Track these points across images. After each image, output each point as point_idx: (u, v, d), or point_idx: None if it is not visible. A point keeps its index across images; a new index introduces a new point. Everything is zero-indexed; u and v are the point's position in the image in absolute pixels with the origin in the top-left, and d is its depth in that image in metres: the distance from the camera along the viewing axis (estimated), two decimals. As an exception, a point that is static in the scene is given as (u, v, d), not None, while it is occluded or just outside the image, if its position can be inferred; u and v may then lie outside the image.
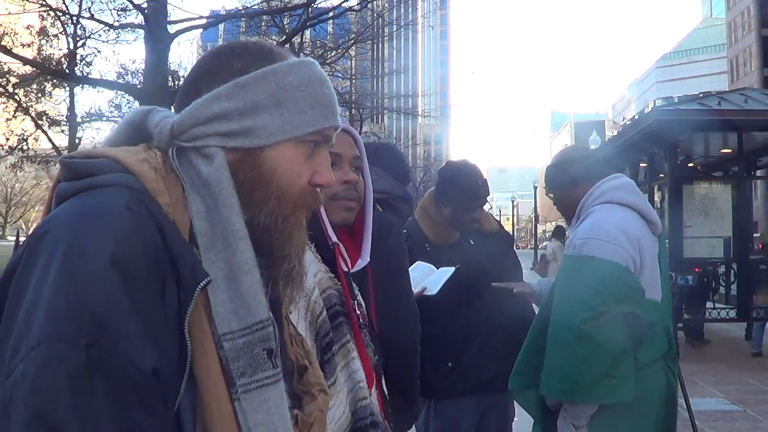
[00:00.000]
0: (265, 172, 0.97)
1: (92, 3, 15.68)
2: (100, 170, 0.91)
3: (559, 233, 13.22)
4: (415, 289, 2.43)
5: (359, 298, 1.72)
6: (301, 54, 19.58)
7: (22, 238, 22.72)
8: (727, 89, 22.31)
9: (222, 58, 1.01)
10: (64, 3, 15.70)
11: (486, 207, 3.26)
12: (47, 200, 0.97)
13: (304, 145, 1.00)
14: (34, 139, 21.17)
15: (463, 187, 2.98)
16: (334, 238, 1.59)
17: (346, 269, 1.59)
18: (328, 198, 1.63)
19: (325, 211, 1.60)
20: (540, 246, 36.94)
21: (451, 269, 2.79)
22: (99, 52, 21.11)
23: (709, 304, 10.21)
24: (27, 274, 0.82)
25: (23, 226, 59.24)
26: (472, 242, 3.04)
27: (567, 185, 2.63)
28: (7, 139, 20.31)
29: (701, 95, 11.65)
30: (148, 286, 0.83)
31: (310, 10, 15.39)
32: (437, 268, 2.83)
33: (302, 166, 1.00)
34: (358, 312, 1.62)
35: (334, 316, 1.54)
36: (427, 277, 2.76)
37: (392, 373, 1.78)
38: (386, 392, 1.69)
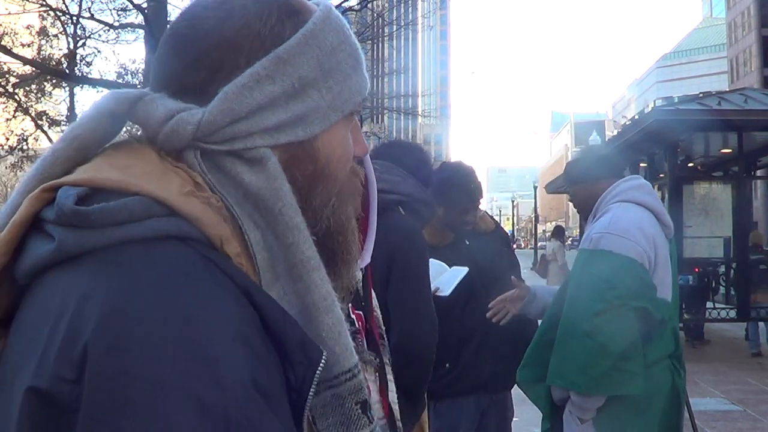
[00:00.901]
0: (323, 165, 0.75)
1: (92, 3, 15.67)
2: (134, 216, 0.62)
3: (558, 233, 13.21)
4: None
5: (373, 296, 1.68)
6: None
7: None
8: (727, 89, 22.32)
9: (236, 21, 0.71)
10: (64, 3, 15.70)
11: (486, 207, 3.28)
12: (13, 241, 0.64)
13: (350, 118, 0.78)
14: (34, 139, 21.16)
15: (456, 189, 3.00)
16: None
17: None
18: None
19: None
20: (540, 246, 36.93)
21: (464, 269, 2.79)
22: (99, 52, 21.10)
23: (709, 304, 10.22)
24: (122, 419, 0.52)
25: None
26: (467, 242, 3.04)
27: (589, 180, 2.69)
28: (7, 139, 20.30)
29: (701, 95, 11.67)
30: (280, 390, 0.61)
31: (310, 10, 15.36)
32: (448, 267, 2.84)
33: (350, 145, 0.79)
34: (353, 316, 1.58)
35: None
36: (440, 276, 2.76)
37: (405, 380, 1.74)
38: (394, 399, 1.65)
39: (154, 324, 0.55)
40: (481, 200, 3.10)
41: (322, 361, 0.65)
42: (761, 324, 9.76)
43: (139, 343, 0.54)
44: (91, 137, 0.70)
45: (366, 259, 1.55)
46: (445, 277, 2.76)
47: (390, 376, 1.66)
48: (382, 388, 1.61)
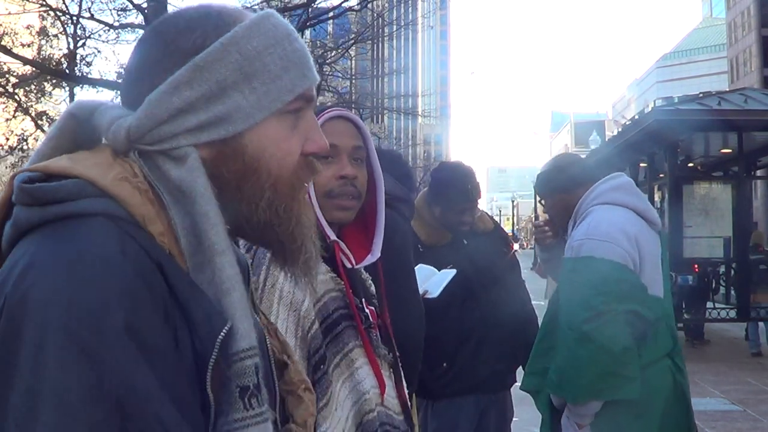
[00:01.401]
0: (250, 161, 0.82)
1: (92, 3, 15.66)
2: (70, 195, 0.74)
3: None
4: None
5: (372, 287, 1.65)
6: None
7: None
8: (727, 89, 22.31)
9: (167, 37, 0.83)
10: (64, 3, 15.70)
11: (486, 207, 3.28)
12: None
13: (287, 115, 0.85)
14: (34, 139, 21.16)
15: (453, 189, 2.99)
16: (333, 236, 1.50)
17: (349, 266, 1.51)
18: (323, 195, 1.52)
19: (319, 208, 1.50)
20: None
21: (452, 272, 2.78)
22: (99, 52, 21.10)
23: (709, 304, 10.22)
24: (12, 354, 0.64)
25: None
26: (465, 242, 3.04)
27: (563, 189, 2.64)
28: (7, 139, 20.30)
29: (701, 95, 11.67)
30: (169, 351, 0.70)
31: (310, 10, 15.39)
32: (437, 270, 2.84)
33: (290, 141, 0.85)
34: (367, 311, 1.55)
35: (335, 323, 1.46)
36: (429, 280, 2.76)
37: None
38: (407, 391, 1.63)
39: (55, 281, 0.67)
40: (479, 201, 3.09)
41: (224, 329, 0.74)
42: (761, 324, 9.76)
43: (40, 295, 0.66)
44: (62, 137, 0.83)
45: (376, 253, 1.54)
46: (433, 281, 2.76)
47: (402, 372, 1.65)
48: (398, 382, 1.60)
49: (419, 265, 2.80)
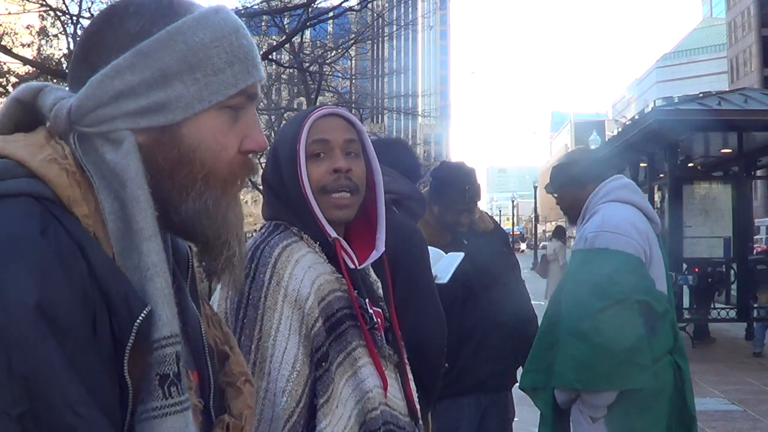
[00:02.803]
0: (186, 150, 0.83)
1: (92, 3, 15.66)
2: None
3: (559, 233, 13.21)
4: None
5: (380, 290, 1.65)
6: (301, 54, 19.59)
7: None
8: (727, 89, 22.32)
9: (116, 21, 0.84)
10: (64, 3, 15.69)
11: (486, 207, 3.28)
12: None
13: (227, 110, 0.85)
14: (34, 139, 21.18)
15: (452, 189, 2.99)
16: (334, 234, 1.50)
17: (352, 266, 1.51)
18: (318, 191, 1.51)
19: (317, 205, 1.49)
20: (540, 246, 36.93)
21: (460, 254, 2.76)
22: (99, 52, 21.09)
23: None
24: None
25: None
26: (465, 242, 3.04)
27: (575, 185, 2.72)
28: (7, 139, 20.33)
29: (701, 95, 11.67)
30: (82, 331, 0.70)
31: (310, 10, 15.37)
32: (444, 253, 2.83)
33: (228, 136, 0.86)
34: (371, 311, 1.54)
35: (339, 322, 1.46)
36: (437, 263, 2.75)
37: (419, 380, 1.72)
38: (414, 391, 1.62)
39: None
40: (478, 202, 3.09)
41: (143, 314, 0.74)
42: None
43: None
44: (4, 122, 0.84)
45: (380, 248, 1.54)
46: (442, 264, 2.75)
47: (410, 374, 1.65)
48: (405, 384, 1.60)
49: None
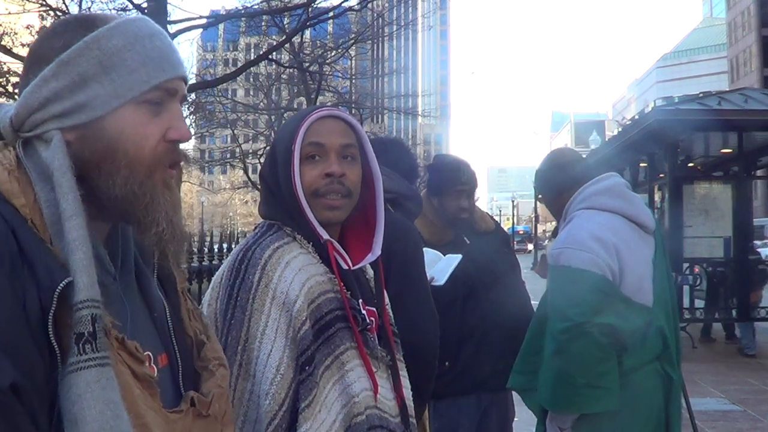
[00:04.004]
0: (109, 142, 0.94)
1: (92, 3, 15.66)
2: None
3: (558, 234, 13.19)
4: None
5: (385, 294, 1.64)
6: (301, 54, 19.58)
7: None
8: (727, 89, 22.31)
9: (44, 40, 0.97)
10: (64, 3, 15.69)
11: (486, 207, 3.28)
12: None
13: (146, 105, 0.96)
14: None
15: (445, 172, 3.02)
16: (326, 236, 1.50)
17: (345, 267, 1.51)
18: (311, 194, 1.51)
19: (309, 207, 1.49)
20: (540, 245, 36.85)
21: (458, 256, 2.78)
22: (99, 52, 21.08)
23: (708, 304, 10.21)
24: None
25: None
26: (467, 241, 3.05)
27: (554, 190, 2.63)
28: (7, 139, 20.33)
29: (701, 95, 11.66)
30: (4, 300, 0.81)
31: (310, 10, 15.36)
32: (442, 255, 2.84)
33: (148, 127, 0.96)
34: (364, 311, 1.54)
35: (328, 325, 1.46)
36: (434, 265, 2.75)
37: (413, 378, 1.73)
38: (408, 396, 1.62)
39: None
40: (476, 188, 3.10)
41: (63, 282, 0.84)
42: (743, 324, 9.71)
43: None
44: None
45: (376, 252, 1.54)
46: (439, 266, 2.75)
47: (404, 373, 1.64)
48: (396, 385, 1.59)
49: (424, 249, 2.80)
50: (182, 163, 1.02)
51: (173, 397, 0.99)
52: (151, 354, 0.97)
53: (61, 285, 0.84)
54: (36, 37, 1.03)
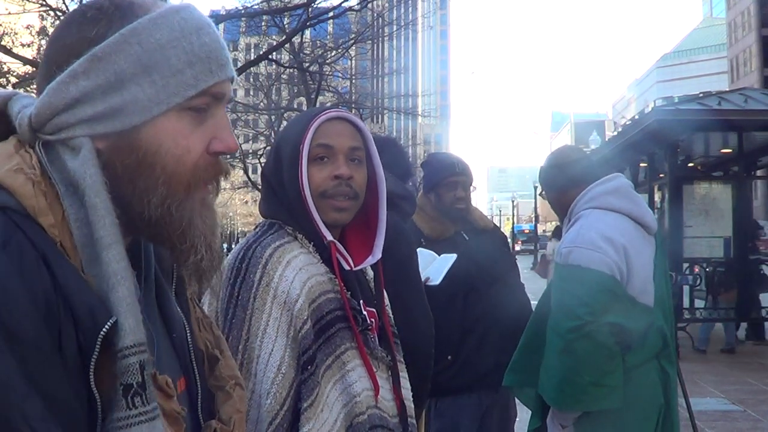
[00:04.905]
0: (145, 155, 0.80)
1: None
2: None
3: (558, 233, 13.19)
4: None
5: (385, 295, 1.64)
6: (301, 54, 19.59)
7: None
8: (727, 89, 22.31)
9: (72, 25, 0.82)
10: (64, 3, 15.69)
11: (486, 207, 3.31)
12: None
13: (190, 112, 0.82)
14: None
15: (438, 164, 3.10)
16: (329, 237, 1.50)
17: (348, 268, 1.51)
18: (318, 195, 1.51)
19: (315, 208, 1.49)
20: (539, 245, 36.83)
21: (453, 256, 2.81)
22: (99, 52, 21.10)
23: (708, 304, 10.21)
24: None
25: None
26: (466, 237, 3.06)
27: (559, 188, 2.62)
28: (7, 139, 20.34)
29: (701, 95, 11.65)
30: (41, 344, 0.69)
31: (310, 10, 15.37)
32: (437, 255, 2.86)
33: (191, 138, 0.83)
34: (365, 312, 1.54)
35: (329, 325, 1.46)
36: (429, 265, 2.77)
37: (410, 378, 1.73)
38: (408, 397, 1.63)
39: None
40: (471, 182, 3.13)
41: (107, 324, 0.72)
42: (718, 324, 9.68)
43: None
44: None
45: (376, 255, 1.55)
46: (434, 266, 2.77)
47: (404, 374, 1.65)
48: (395, 386, 1.60)
49: (419, 249, 2.81)
50: (222, 177, 0.88)
51: (192, 426, 0.89)
52: (171, 381, 0.85)
53: (106, 327, 0.73)
54: (62, 19, 0.86)
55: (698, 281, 9.92)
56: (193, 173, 0.83)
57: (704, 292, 10.09)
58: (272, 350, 1.40)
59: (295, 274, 1.45)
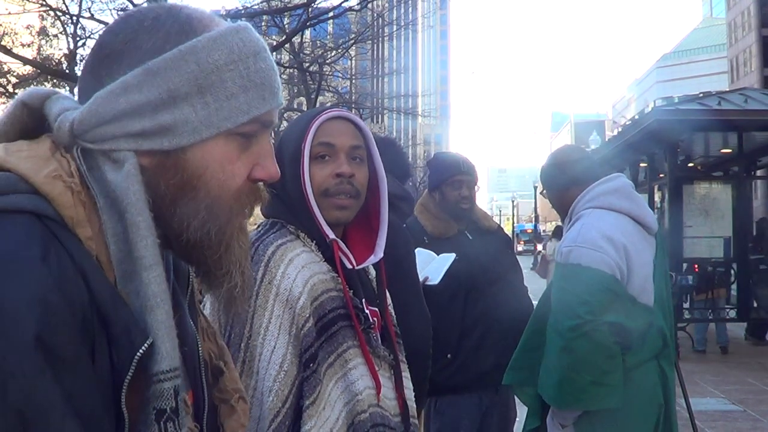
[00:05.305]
0: (190, 177, 0.79)
1: (92, 3, 15.67)
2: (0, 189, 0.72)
3: (558, 233, 13.20)
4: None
5: (387, 295, 1.64)
6: (301, 54, 19.60)
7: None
8: (727, 89, 22.32)
9: (129, 34, 0.79)
10: (64, 3, 15.71)
11: (486, 207, 3.32)
12: None
13: (238, 138, 0.81)
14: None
15: (444, 162, 3.11)
16: (331, 235, 1.50)
17: (350, 266, 1.52)
18: (320, 194, 1.51)
19: (317, 206, 1.50)
20: (539, 245, 36.79)
21: (452, 256, 2.81)
22: (99, 52, 21.11)
23: (708, 304, 10.21)
24: None
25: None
26: (470, 236, 3.07)
27: (560, 187, 2.63)
28: (7, 139, 20.32)
29: (701, 95, 11.66)
30: (81, 363, 0.67)
31: (310, 10, 15.39)
32: (436, 254, 2.86)
33: (236, 164, 0.81)
34: (367, 311, 1.54)
35: (331, 323, 1.46)
36: (428, 265, 2.77)
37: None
38: (410, 396, 1.63)
39: None
40: (476, 182, 3.13)
41: (144, 346, 0.71)
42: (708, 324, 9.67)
43: None
44: (8, 125, 0.80)
45: (378, 254, 1.55)
46: (433, 266, 2.78)
47: (406, 374, 1.65)
48: (398, 385, 1.60)
49: (417, 249, 2.82)
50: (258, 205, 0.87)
51: None
52: (187, 398, 0.83)
53: (143, 349, 0.71)
54: (115, 21, 0.83)
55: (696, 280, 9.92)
56: (235, 199, 0.82)
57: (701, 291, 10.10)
58: (274, 348, 1.40)
59: (298, 272, 1.46)
